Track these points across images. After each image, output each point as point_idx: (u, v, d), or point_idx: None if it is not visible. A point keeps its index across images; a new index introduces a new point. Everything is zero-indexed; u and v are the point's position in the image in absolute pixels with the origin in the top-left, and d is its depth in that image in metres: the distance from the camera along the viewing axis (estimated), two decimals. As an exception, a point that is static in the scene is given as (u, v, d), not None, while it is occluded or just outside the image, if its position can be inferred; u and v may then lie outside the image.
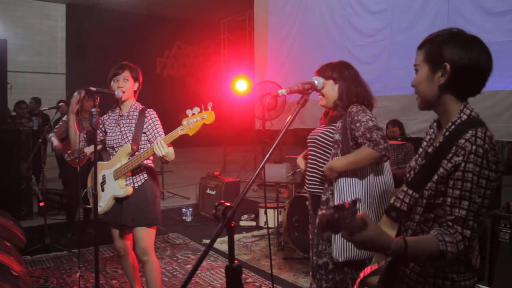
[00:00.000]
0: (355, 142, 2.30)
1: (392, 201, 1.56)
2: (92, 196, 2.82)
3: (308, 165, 2.50)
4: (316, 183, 2.47)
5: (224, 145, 10.47)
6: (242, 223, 5.69)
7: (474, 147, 1.32)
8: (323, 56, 6.13)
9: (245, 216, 5.84)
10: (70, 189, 5.22)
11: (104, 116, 3.03)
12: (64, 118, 4.98)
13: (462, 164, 1.33)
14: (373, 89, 2.48)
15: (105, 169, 2.89)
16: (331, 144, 2.38)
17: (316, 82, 1.84)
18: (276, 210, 5.26)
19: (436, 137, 1.53)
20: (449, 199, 1.36)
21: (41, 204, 5.63)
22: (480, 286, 2.93)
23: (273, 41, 7.52)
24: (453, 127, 1.42)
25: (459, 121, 1.42)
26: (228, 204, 1.47)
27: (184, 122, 2.47)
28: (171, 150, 2.62)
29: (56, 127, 5.17)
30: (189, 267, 4.22)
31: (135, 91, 2.95)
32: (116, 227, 2.97)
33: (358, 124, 2.26)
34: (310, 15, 6.64)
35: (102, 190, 2.88)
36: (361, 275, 1.58)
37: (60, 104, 4.83)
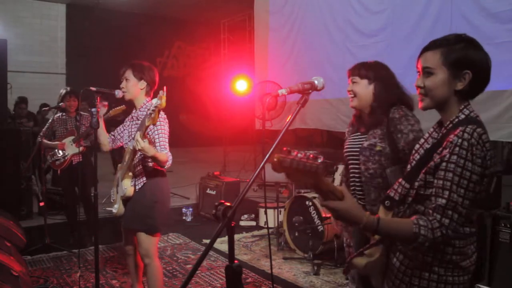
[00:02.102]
0: (402, 154, 2.15)
1: (388, 191, 1.62)
2: (94, 196, 2.83)
3: (353, 177, 2.32)
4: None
5: (224, 145, 10.44)
6: (242, 223, 5.69)
7: (460, 140, 1.37)
8: (324, 56, 6.11)
9: (245, 216, 5.84)
10: (64, 189, 5.20)
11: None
12: (51, 119, 4.91)
13: (447, 156, 1.38)
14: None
15: (119, 171, 2.92)
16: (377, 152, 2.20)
17: (316, 82, 1.83)
18: (276, 210, 5.26)
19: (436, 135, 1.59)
20: (434, 189, 1.41)
21: (41, 204, 5.62)
22: (480, 286, 2.92)
23: (273, 41, 7.50)
24: (450, 125, 1.47)
25: (456, 120, 1.46)
26: (228, 204, 1.47)
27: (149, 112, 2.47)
28: (146, 144, 2.53)
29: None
30: (189, 267, 4.21)
31: (144, 90, 2.86)
32: (124, 227, 2.98)
33: (399, 135, 2.17)
34: (311, 15, 6.62)
35: (117, 192, 2.90)
36: (348, 259, 1.61)
37: (60, 104, 4.80)
